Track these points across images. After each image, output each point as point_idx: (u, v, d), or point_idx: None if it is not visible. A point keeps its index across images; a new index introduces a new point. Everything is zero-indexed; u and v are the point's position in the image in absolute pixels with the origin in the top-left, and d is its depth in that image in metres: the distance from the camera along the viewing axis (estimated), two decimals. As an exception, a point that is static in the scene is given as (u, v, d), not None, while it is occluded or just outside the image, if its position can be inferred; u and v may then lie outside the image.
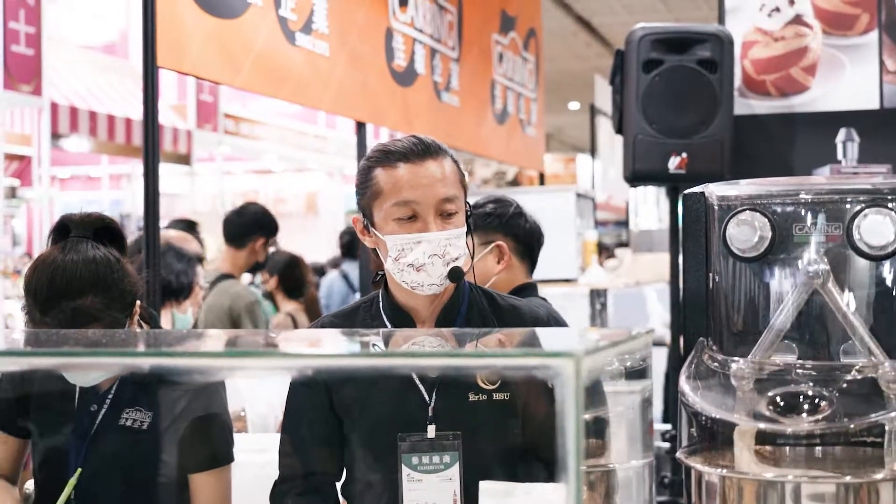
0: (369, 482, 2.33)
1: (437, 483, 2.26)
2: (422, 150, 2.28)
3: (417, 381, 2.28)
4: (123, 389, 2.42)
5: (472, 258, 2.34)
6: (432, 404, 2.28)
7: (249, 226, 5.41)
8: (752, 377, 2.11)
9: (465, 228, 2.27)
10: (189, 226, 5.68)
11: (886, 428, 2.03)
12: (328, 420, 2.35)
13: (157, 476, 2.42)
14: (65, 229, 2.38)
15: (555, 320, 2.44)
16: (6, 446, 2.53)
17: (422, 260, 2.22)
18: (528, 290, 3.28)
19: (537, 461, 2.28)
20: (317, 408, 2.35)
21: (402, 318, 2.34)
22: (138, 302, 2.40)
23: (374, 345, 1.80)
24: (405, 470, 2.26)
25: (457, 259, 2.24)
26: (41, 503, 2.44)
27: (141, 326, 2.48)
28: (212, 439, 2.47)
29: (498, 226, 3.30)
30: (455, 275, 2.24)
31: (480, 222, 3.23)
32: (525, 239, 3.34)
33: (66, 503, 2.33)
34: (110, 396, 2.42)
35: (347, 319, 2.40)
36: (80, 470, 2.35)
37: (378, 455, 2.30)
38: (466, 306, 2.36)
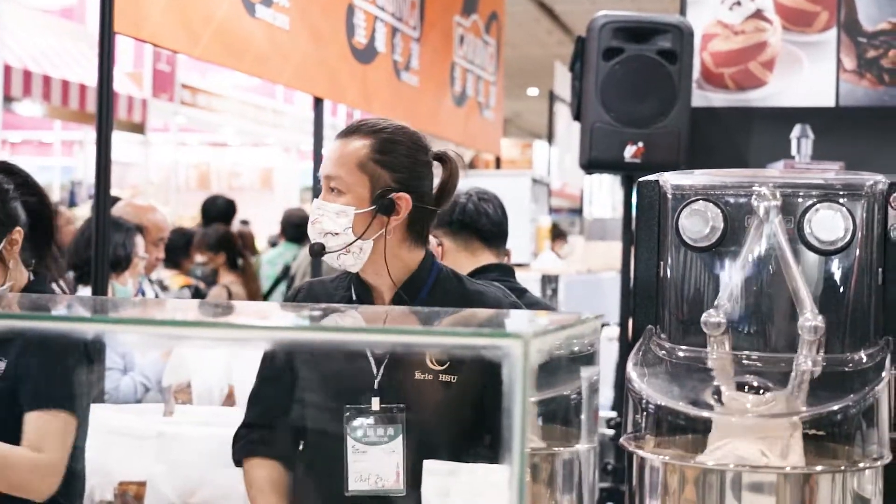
0: (319, 449, 2.42)
1: (380, 455, 2.32)
2: (343, 131, 2.42)
3: (369, 355, 2.35)
4: None
5: (385, 243, 2.38)
6: (378, 378, 2.35)
7: None
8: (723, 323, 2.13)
9: (342, 207, 2.35)
10: None
11: (795, 372, 2.08)
12: (288, 386, 2.45)
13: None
14: None
15: (516, 307, 2.46)
16: None
17: (308, 227, 2.40)
18: (489, 270, 3.30)
19: (482, 444, 2.31)
20: (281, 369, 2.47)
21: (364, 291, 2.43)
22: (17, 238, 2.54)
23: (311, 317, 1.86)
24: (350, 441, 2.33)
25: (331, 234, 2.34)
26: None
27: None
28: (48, 383, 2.52)
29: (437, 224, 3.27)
30: (312, 249, 2.38)
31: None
32: (458, 225, 3.35)
33: None
34: None
35: (322, 286, 2.52)
36: None
37: (327, 424, 2.37)
38: (430, 287, 2.42)
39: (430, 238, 3.25)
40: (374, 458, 2.32)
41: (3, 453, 2.49)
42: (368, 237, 2.35)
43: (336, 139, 2.42)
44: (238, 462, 2.52)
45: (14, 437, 2.50)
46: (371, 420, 2.33)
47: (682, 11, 5.34)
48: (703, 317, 2.15)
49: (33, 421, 2.49)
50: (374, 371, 2.35)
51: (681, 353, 2.24)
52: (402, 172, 2.37)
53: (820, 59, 5.29)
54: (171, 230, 5.93)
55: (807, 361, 2.12)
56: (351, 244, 2.35)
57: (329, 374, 2.40)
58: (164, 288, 6.47)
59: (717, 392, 2.11)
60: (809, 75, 5.29)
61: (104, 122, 3.85)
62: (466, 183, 3.40)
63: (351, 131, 2.41)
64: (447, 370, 2.31)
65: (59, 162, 13.98)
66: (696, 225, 2.24)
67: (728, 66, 5.34)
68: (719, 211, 2.24)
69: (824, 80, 5.28)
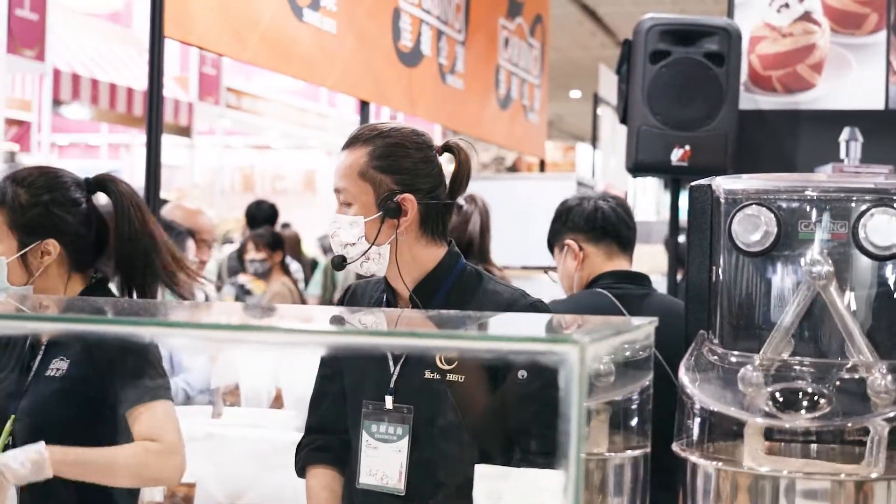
0: (353, 446, 2.46)
1: (389, 453, 2.38)
2: (347, 141, 2.45)
3: (388, 354, 2.40)
4: (55, 340, 2.52)
5: (398, 245, 2.41)
6: (394, 377, 2.39)
7: None
8: (759, 385, 2.11)
9: (352, 217, 2.39)
10: None
11: (870, 433, 2.03)
12: (342, 386, 2.51)
13: (85, 419, 2.51)
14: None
15: (535, 309, 2.45)
16: None
17: (330, 241, 2.46)
18: (603, 278, 3.38)
19: (495, 445, 2.33)
20: (331, 372, 2.54)
21: (391, 293, 2.48)
22: (50, 249, 2.55)
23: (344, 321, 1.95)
24: (364, 436, 2.40)
25: (349, 245, 2.39)
26: None
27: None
28: (140, 378, 2.52)
29: (560, 227, 3.45)
30: (333, 262, 2.43)
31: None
32: (601, 232, 3.43)
33: (5, 448, 2.41)
34: (43, 347, 2.53)
35: (363, 288, 2.59)
36: (13, 416, 2.46)
37: (354, 420, 2.44)
38: (450, 286, 2.43)
39: (571, 243, 3.41)
40: (382, 454, 2.37)
41: (120, 453, 2.48)
42: (382, 242, 2.38)
43: (341, 150, 2.45)
44: (301, 472, 2.55)
45: (83, 437, 2.49)
46: (383, 417, 2.38)
47: (730, 14, 5.31)
48: (742, 373, 2.13)
49: (137, 417, 2.48)
50: (392, 370, 2.40)
51: (733, 359, 2.22)
52: (403, 174, 2.39)
53: (869, 61, 5.24)
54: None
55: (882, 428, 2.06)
56: (366, 252, 2.38)
57: (358, 371, 2.47)
58: (246, 292, 6.65)
59: (772, 398, 2.09)
60: (858, 78, 5.24)
61: (154, 125, 3.89)
62: (514, 186, 3.43)
63: (351, 142, 2.44)
64: (456, 370, 2.34)
65: (105, 164, 14.11)
66: (749, 229, 2.22)
67: (776, 68, 5.30)
68: (773, 215, 2.22)
69: (873, 83, 5.23)
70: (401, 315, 2.28)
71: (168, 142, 12.37)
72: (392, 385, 2.39)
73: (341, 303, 2.64)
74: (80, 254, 2.62)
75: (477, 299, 2.41)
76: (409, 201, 2.38)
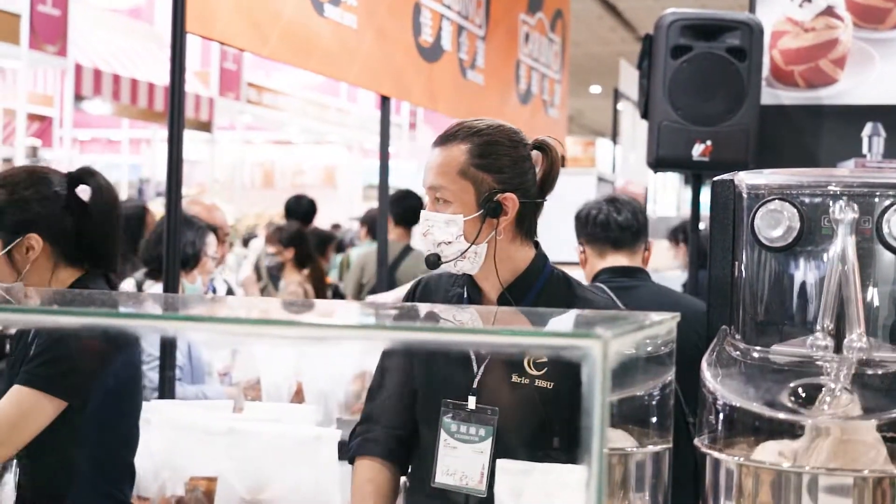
0: (423, 444, 2.46)
1: (469, 453, 2.35)
2: (440, 138, 2.41)
3: (471, 354, 2.38)
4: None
5: (495, 248, 2.39)
6: (478, 377, 2.37)
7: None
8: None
9: (450, 216, 2.36)
10: None
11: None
12: (405, 381, 2.50)
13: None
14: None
15: None
16: None
17: (420, 239, 2.43)
18: (601, 273, 3.72)
19: (566, 453, 2.30)
20: (398, 366, 2.53)
21: (475, 291, 2.46)
22: (33, 244, 2.59)
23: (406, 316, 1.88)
24: (443, 435, 2.38)
25: (444, 244, 2.36)
26: None
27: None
28: (35, 362, 2.54)
29: (576, 232, 3.83)
30: (428, 260, 2.39)
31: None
32: (584, 230, 3.80)
33: None
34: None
35: (437, 283, 2.56)
36: None
37: (429, 419, 2.42)
38: (539, 290, 2.42)
39: (577, 245, 3.78)
40: (463, 454, 2.35)
41: None
42: (481, 241, 2.37)
43: (433, 147, 2.41)
44: (351, 460, 2.55)
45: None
46: (465, 417, 2.36)
47: (752, 9, 5.29)
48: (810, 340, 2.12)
49: (11, 394, 2.53)
50: (475, 370, 2.38)
51: (755, 354, 2.22)
52: (505, 172, 2.37)
53: (892, 56, 5.21)
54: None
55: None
56: (465, 251, 2.36)
57: (436, 370, 2.44)
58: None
59: (794, 393, 2.08)
60: (881, 73, 5.21)
61: (175, 121, 3.89)
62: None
63: (447, 138, 2.40)
64: (544, 376, 2.32)
65: (127, 160, 14.16)
66: (772, 224, 2.21)
67: (798, 63, 5.27)
68: (795, 211, 2.22)
69: (896, 78, 5.20)
70: (486, 313, 2.24)
71: (188, 136, 12.41)
72: (475, 385, 2.37)
73: (411, 297, 2.60)
74: (64, 247, 2.65)
75: (567, 305, 2.39)
76: (511, 200, 2.36)
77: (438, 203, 2.38)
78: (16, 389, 2.52)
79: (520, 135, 2.42)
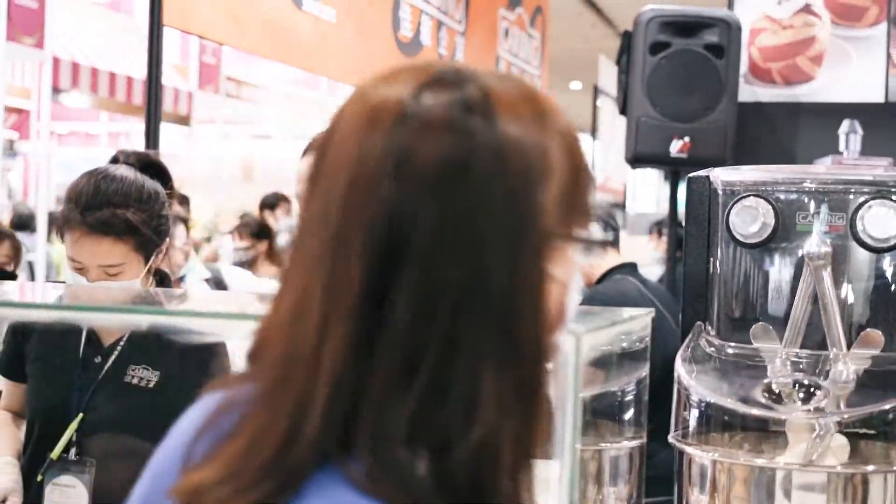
0: None
1: None
2: (304, 150, 2.46)
3: None
4: (131, 345, 2.42)
5: None
6: None
7: None
8: (787, 377, 2.11)
9: None
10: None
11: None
12: None
13: (154, 435, 2.42)
14: (115, 161, 2.49)
15: None
16: (18, 390, 2.57)
17: None
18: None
19: None
20: None
21: None
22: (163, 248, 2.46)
23: None
24: None
25: None
26: (36, 450, 2.45)
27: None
28: None
29: None
30: None
31: None
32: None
33: (66, 449, 2.35)
34: (117, 350, 2.43)
35: None
36: (81, 415, 2.37)
37: None
38: None
39: None
40: None
41: None
42: None
43: (301, 157, 2.45)
44: None
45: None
46: None
47: (730, 6, 5.30)
48: (770, 369, 2.14)
49: None
50: None
51: (730, 350, 2.22)
52: None
53: (869, 54, 5.24)
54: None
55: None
56: None
57: None
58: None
59: (768, 389, 2.09)
60: (858, 70, 5.23)
61: (153, 114, 3.88)
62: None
63: (307, 150, 2.44)
64: None
65: (105, 153, 14.07)
66: (746, 221, 2.22)
67: (776, 60, 5.29)
68: (770, 207, 2.22)
69: (873, 76, 5.22)
70: None
71: (166, 130, 12.37)
72: None
73: None
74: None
75: None
76: None
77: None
78: None
79: None
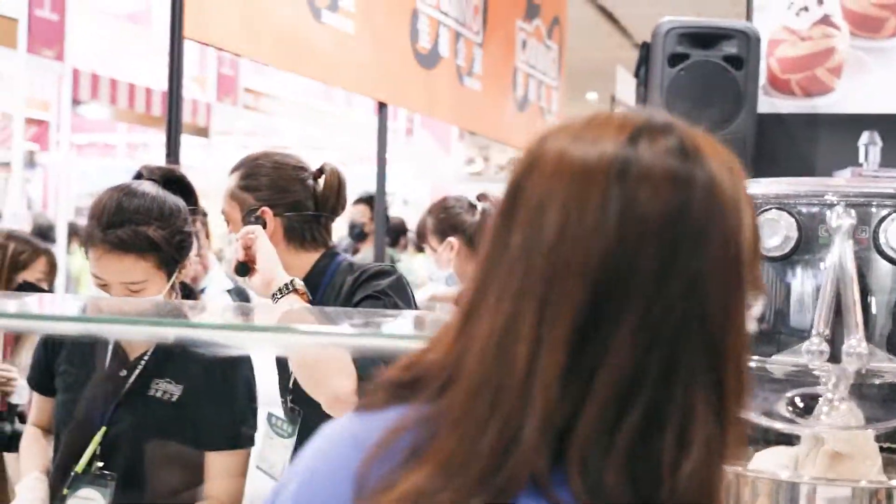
0: None
1: (279, 448, 2.61)
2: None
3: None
4: (156, 358, 2.43)
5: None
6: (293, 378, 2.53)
7: None
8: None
9: (232, 234, 2.59)
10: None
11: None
12: None
13: (176, 449, 2.43)
14: (139, 176, 2.57)
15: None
16: (47, 404, 2.59)
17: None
18: None
19: None
20: None
21: None
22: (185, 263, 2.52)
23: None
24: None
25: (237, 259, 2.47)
26: (62, 463, 2.46)
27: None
28: (234, 420, 2.48)
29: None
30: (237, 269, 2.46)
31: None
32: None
33: (90, 461, 2.35)
34: (142, 363, 2.43)
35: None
36: (104, 429, 2.37)
37: None
38: (326, 284, 2.56)
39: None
40: (273, 448, 2.55)
41: None
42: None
43: (229, 177, 2.68)
44: None
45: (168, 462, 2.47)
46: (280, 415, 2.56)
47: (749, 17, 5.29)
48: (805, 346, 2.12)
49: (213, 462, 2.48)
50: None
51: (752, 364, 2.21)
52: (263, 191, 2.58)
53: (888, 64, 5.22)
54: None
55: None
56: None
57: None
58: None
59: (791, 403, 2.08)
60: (878, 81, 5.21)
61: (173, 125, 3.90)
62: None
63: (230, 171, 2.67)
64: None
65: (124, 164, 14.13)
66: (768, 234, 2.22)
67: (795, 72, 5.28)
68: (793, 220, 2.22)
69: (893, 86, 5.20)
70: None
71: (185, 141, 12.40)
72: (291, 386, 2.55)
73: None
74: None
75: (348, 286, 2.51)
76: (267, 214, 2.55)
77: (228, 225, 2.64)
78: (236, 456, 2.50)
79: (287, 160, 2.66)
